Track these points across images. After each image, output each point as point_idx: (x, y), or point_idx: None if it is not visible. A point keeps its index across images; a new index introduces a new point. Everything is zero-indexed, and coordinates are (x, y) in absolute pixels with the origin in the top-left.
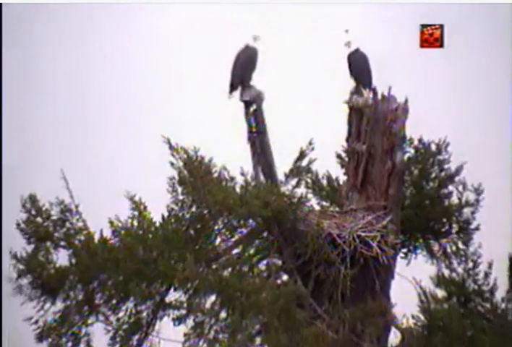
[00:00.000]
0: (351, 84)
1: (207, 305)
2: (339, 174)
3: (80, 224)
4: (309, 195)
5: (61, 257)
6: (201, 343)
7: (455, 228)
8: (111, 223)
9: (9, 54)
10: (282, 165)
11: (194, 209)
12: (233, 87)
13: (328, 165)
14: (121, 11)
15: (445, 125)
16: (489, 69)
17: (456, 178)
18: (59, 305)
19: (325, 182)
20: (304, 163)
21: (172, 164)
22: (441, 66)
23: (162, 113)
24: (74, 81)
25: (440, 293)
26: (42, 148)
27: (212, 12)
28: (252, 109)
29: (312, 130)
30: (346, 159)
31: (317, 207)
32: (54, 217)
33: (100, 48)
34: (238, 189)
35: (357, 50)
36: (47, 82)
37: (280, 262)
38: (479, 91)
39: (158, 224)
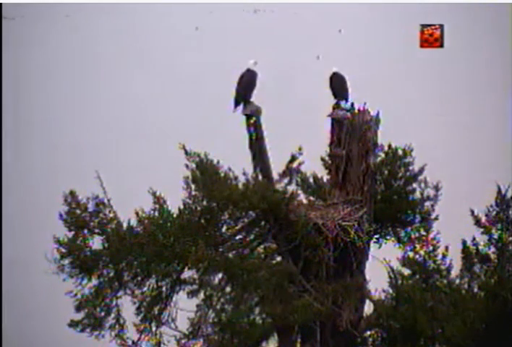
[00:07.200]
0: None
1: (215, 281)
2: (323, 174)
3: (111, 215)
4: (299, 191)
5: (96, 242)
6: (210, 312)
7: (418, 218)
8: (137, 213)
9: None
10: (277, 166)
11: (204, 202)
12: (237, 103)
13: (314, 166)
14: (131, 16)
15: (442, 124)
16: (489, 69)
17: (419, 177)
18: (94, 281)
19: (311, 181)
20: (295, 165)
21: (187, 166)
22: (441, 66)
23: (181, 126)
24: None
25: (406, 271)
26: (80, 152)
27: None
28: (252, 121)
29: (301, 138)
30: (329, 162)
31: (305, 201)
32: (90, 210)
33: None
34: (240, 186)
35: (336, 73)
36: (67, 83)
37: (275, 246)
38: (478, 90)
39: (175, 215)
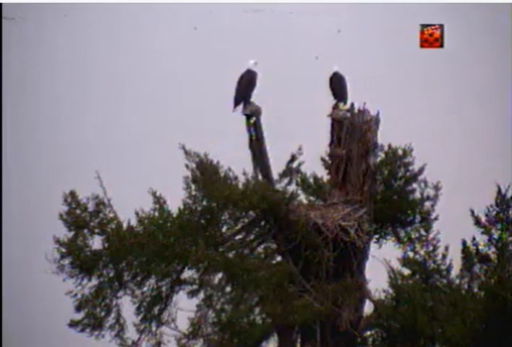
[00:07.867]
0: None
1: (215, 281)
2: (323, 174)
3: (111, 215)
4: (299, 191)
5: (96, 242)
6: (210, 312)
7: (418, 218)
8: (137, 213)
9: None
10: (277, 166)
11: (204, 202)
12: (236, 103)
13: (314, 166)
14: (130, 16)
15: (443, 125)
16: (489, 69)
17: (419, 177)
18: (94, 281)
19: (311, 181)
20: (295, 165)
21: (187, 166)
22: (441, 66)
23: (181, 126)
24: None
25: (406, 271)
26: (81, 153)
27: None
28: (251, 121)
29: (301, 138)
30: (329, 162)
31: (305, 201)
32: (90, 210)
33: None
34: (240, 186)
35: (336, 73)
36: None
37: (275, 246)
38: (478, 90)
39: (175, 215)
